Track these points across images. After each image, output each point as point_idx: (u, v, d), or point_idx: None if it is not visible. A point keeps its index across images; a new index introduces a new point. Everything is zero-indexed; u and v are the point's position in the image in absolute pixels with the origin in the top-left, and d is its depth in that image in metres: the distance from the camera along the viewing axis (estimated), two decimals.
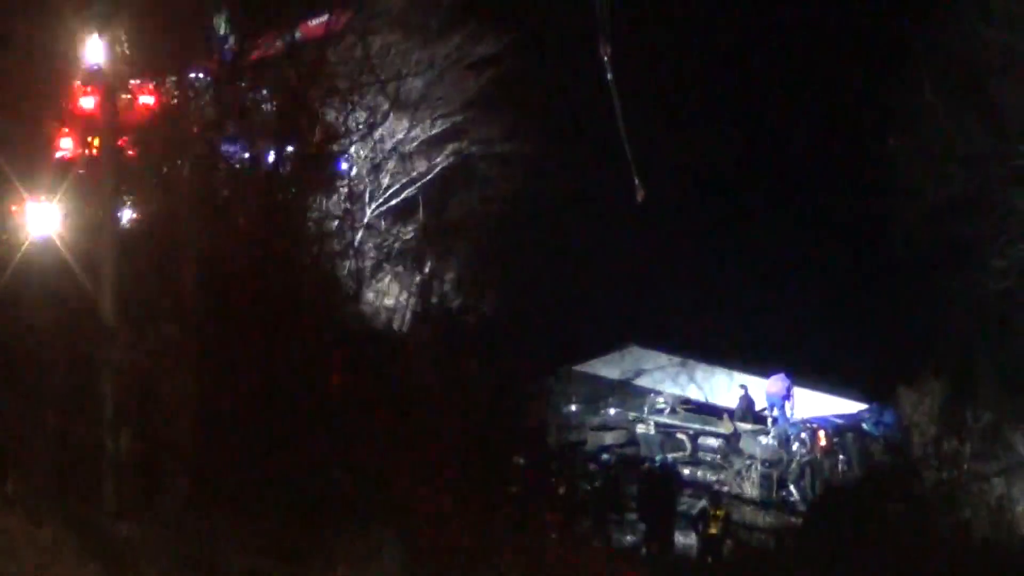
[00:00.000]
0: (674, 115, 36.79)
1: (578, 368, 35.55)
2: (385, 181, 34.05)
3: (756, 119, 38.36)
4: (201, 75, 33.99)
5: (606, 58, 33.58)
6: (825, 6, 38.47)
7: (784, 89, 37.97)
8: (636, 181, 32.06)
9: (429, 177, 34.67)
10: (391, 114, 33.46)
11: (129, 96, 32.21)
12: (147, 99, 32.51)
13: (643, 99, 33.05)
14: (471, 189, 34.04)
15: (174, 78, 32.95)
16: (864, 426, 33.27)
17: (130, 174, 30.62)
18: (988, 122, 29.99)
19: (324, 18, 35.10)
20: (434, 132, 34.44)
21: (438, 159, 34.67)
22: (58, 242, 29.10)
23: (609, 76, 32.84)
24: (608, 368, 36.49)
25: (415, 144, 34.43)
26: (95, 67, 32.40)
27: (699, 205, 36.58)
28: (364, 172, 33.55)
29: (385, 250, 33.35)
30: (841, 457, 32.35)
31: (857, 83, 35.55)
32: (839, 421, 34.17)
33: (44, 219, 29.67)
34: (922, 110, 30.06)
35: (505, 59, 33.89)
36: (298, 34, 35.45)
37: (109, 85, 30.08)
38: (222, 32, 34.93)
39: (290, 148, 33.17)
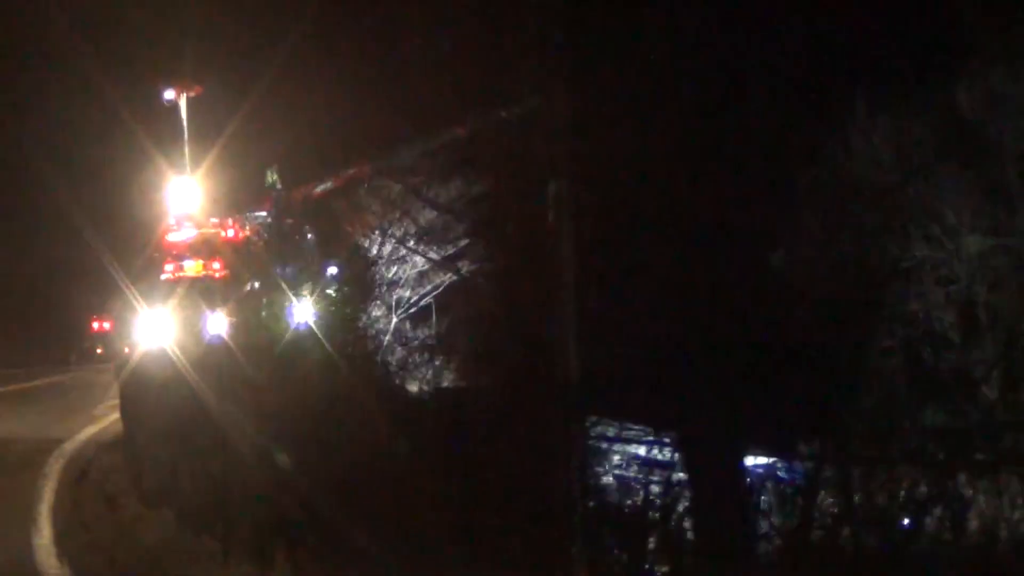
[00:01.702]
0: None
1: None
2: (407, 294, 42.18)
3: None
4: (263, 214, 43.34)
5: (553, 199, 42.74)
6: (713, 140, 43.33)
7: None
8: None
9: (439, 290, 42.67)
10: (413, 241, 41.85)
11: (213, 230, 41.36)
12: (233, 232, 41.65)
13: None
14: (470, 299, 39.07)
15: (245, 215, 42.18)
16: (779, 474, 40.59)
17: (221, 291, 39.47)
18: (857, 236, 32.66)
19: (351, 169, 44.48)
20: (444, 255, 42.24)
21: (445, 277, 42.44)
22: (169, 351, 37.62)
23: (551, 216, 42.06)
24: None
25: (430, 265, 42.63)
26: (182, 212, 41.70)
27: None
28: (390, 287, 41.98)
29: (408, 349, 41.67)
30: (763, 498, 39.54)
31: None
32: (759, 471, 41.88)
33: (155, 330, 38.44)
34: (801, 229, 32.99)
35: (494, 198, 41.40)
36: (331, 183, 44.85)
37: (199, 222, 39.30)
38: (270, 183, 44.27)
39: (334, 269, 42.08)
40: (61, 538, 15.58)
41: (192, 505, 15.14)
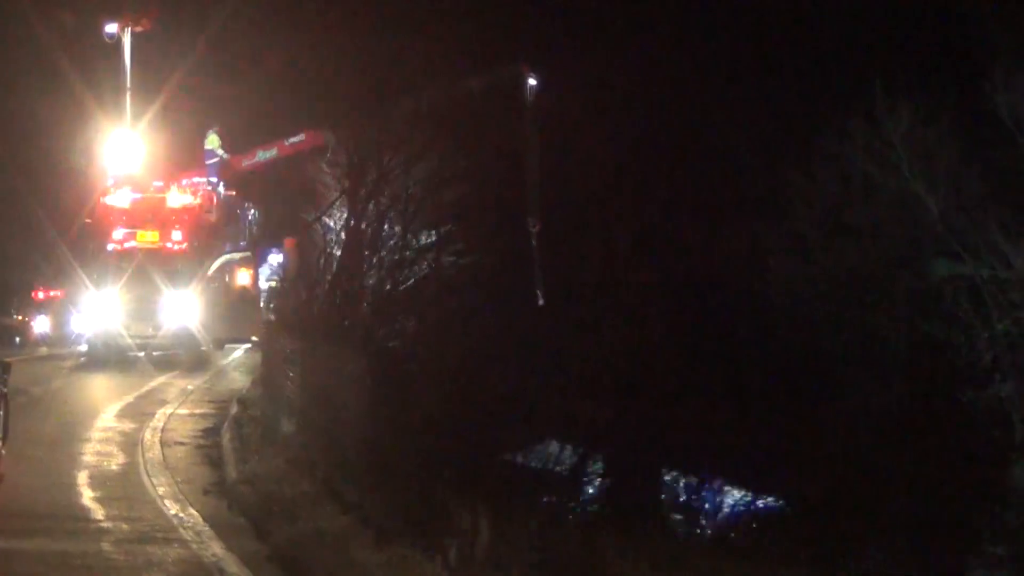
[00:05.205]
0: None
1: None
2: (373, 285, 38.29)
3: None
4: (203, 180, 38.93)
5: (533, 230, 39.38)
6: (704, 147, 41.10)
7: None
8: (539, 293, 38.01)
9: (411, 282, 38.40)
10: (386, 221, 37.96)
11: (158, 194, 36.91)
12: (184, 198, 37.21)
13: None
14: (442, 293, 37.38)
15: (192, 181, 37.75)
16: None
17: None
18: (856, 246, 31.34)
19: (300, 137, 40.24)
20: (420, 243, 38.23)
21: (422, 266, 38.30)
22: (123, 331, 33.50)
23: (533, 243, 38.77)
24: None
25: (406, 252, 38.32)
26: (122, 172, 37.25)
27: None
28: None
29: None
30: None
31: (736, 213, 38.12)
32: None
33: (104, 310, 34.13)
34: (796, 236, 31.88)
35: (471, 180, 37.81)
36: (275, 151, 40.59)
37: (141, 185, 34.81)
38: (211, 147, 39.85)
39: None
40: None
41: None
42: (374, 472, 14.00)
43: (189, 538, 13.41)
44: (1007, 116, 28.40)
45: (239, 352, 37.46)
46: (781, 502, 30.69)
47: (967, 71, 30.70)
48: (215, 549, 12.88)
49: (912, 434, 28.28)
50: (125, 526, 14.06)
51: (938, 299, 29.67)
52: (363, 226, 36.35)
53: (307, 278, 32.97)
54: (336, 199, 31.66)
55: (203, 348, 34.80)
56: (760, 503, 31.94)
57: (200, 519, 14.35)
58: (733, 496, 32.20)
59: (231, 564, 12.24)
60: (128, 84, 39.10)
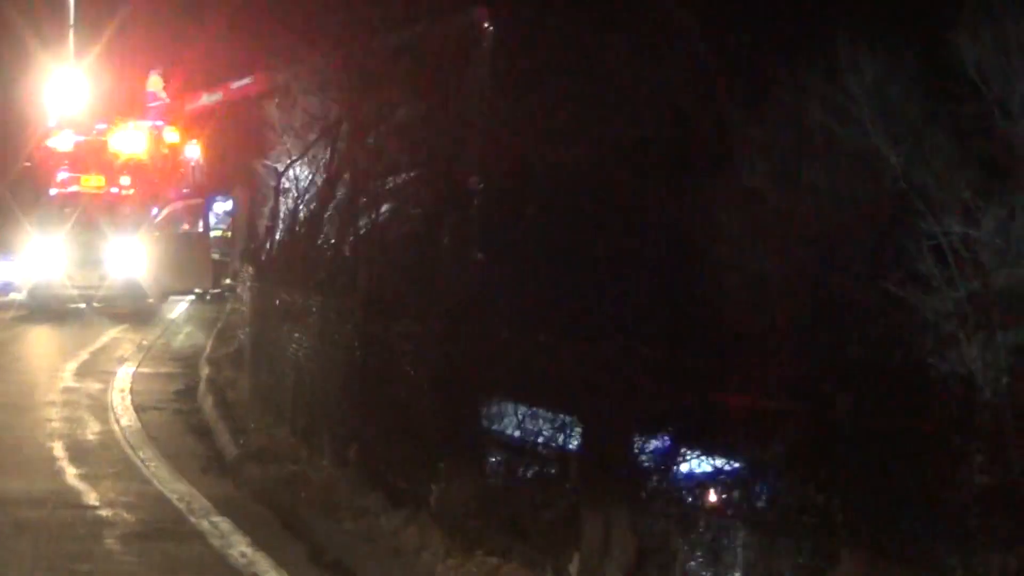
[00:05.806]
0: None
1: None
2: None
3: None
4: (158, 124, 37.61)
5: (475, 188, 38.09)
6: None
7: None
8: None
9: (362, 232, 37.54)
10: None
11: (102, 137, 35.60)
12: (129, 142, 35.91)
13: None
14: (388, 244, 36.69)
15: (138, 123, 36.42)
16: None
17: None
18: (813, 202, 33.23)
19: (248, 80, 38.92)
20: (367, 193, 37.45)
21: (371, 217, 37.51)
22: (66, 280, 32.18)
23: (475, 202, 37.49)
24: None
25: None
26: (65, 114, 35.91)
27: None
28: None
29: None
30: None
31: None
32: None
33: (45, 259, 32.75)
34: (748, 191, 33.12)
35: (417, 127, 36.87)
36: (220, 95, 39.24)
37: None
38: (153, 89, 38.56)
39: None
40: None
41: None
42: (434, 453, 12.39)
43: (205, 530, 12.26)
44: (973, 70, 28.21)
45: (184, 304, 36.08)
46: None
47: (933, 21, 30.21)
48: (241, 547, 11.64)
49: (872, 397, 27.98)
50: (127, 516, 12.86)
51: (900, 258, 29.29)
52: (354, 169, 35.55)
53: (256, 227, 31.98)
54: (317, 139, 30.18)
55: (149, 300, 33.56)
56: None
57: (210, 505, 13.15)
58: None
59: (266, 568, 10.99)
60: (72, 20, 37.85)
